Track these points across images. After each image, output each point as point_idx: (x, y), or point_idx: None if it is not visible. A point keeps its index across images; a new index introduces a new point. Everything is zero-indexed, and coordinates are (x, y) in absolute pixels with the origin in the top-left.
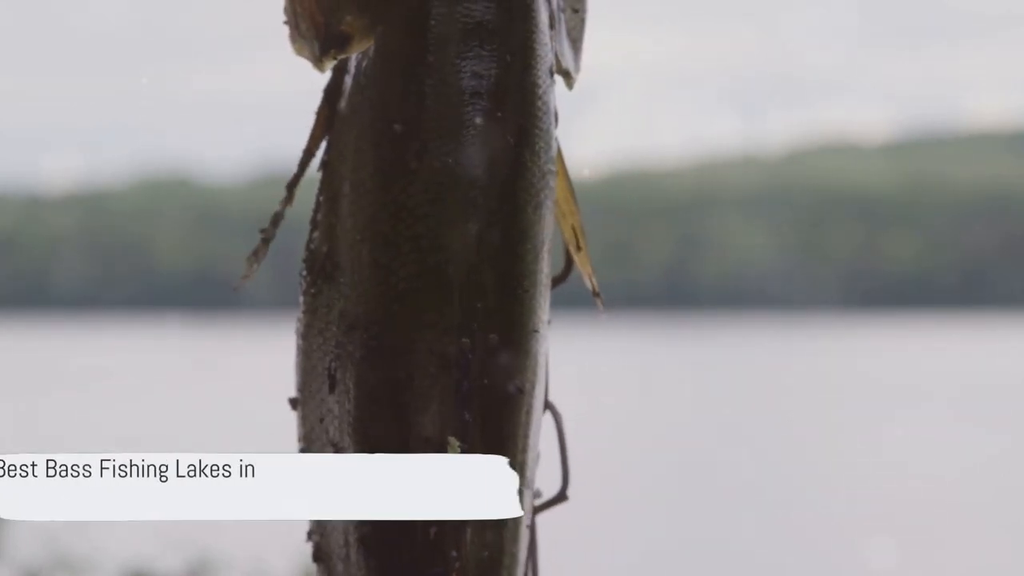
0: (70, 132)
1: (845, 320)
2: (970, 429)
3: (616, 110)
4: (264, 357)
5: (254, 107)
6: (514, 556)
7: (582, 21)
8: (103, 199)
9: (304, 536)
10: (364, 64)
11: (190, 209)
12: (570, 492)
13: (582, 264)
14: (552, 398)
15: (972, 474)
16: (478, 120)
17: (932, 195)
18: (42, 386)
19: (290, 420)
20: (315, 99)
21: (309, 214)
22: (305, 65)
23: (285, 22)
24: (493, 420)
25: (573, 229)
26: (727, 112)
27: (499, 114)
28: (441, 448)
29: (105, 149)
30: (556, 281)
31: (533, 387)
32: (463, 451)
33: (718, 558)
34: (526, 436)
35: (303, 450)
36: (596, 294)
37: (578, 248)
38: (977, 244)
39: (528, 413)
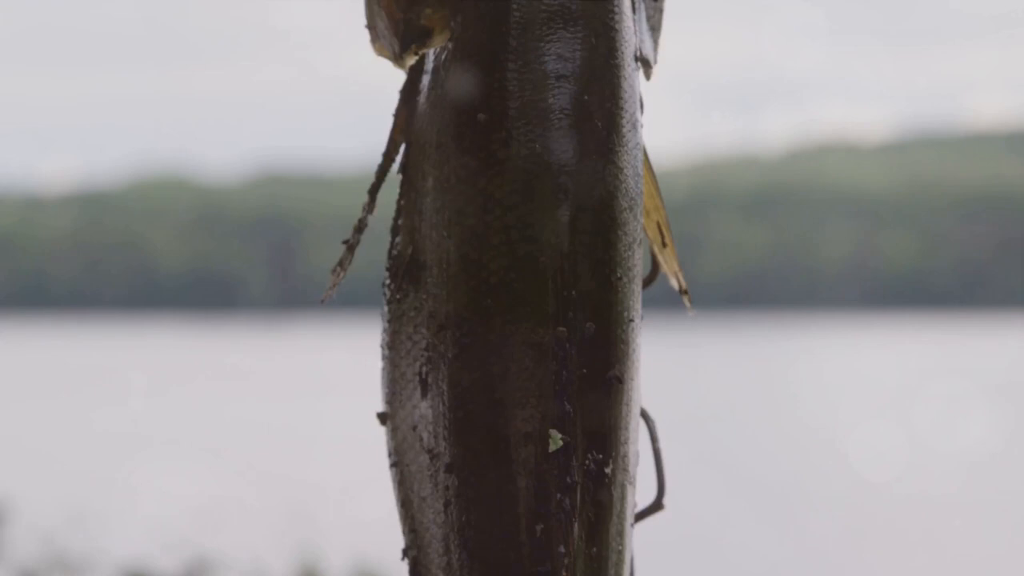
0: (69, 133)
1: (843, 319)
2: (967, 424)
3: None
4: (262, 356)
5: (251, 109)
6: (620, 553)
7: (661, 11)
8: (101, 199)
9: (304, 535)
10: (443, 57)
11: (187, 209)
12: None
13: (668, 261)
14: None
15: (969, 467)
16: (565, 104)
17: (930, 195)
18: (41, 384)
19: (287, 415)
20: (316, 98)
21: (314, 217)
22: (304, 67)
23: (365, 25)
24: (594, 410)
25: (658, 225)
26: (726, 112)
27: (586, 97)
28: (543, 442)
29: (103, 150)
30: (646, 282)
31: (632, 378)
32: (565, 444)
33: (718, 544)
34: (627, 428)
35: (394, 464)
36: (684, 292)
37: (664, 245)
38: (975, 244)
39: (628, 404)
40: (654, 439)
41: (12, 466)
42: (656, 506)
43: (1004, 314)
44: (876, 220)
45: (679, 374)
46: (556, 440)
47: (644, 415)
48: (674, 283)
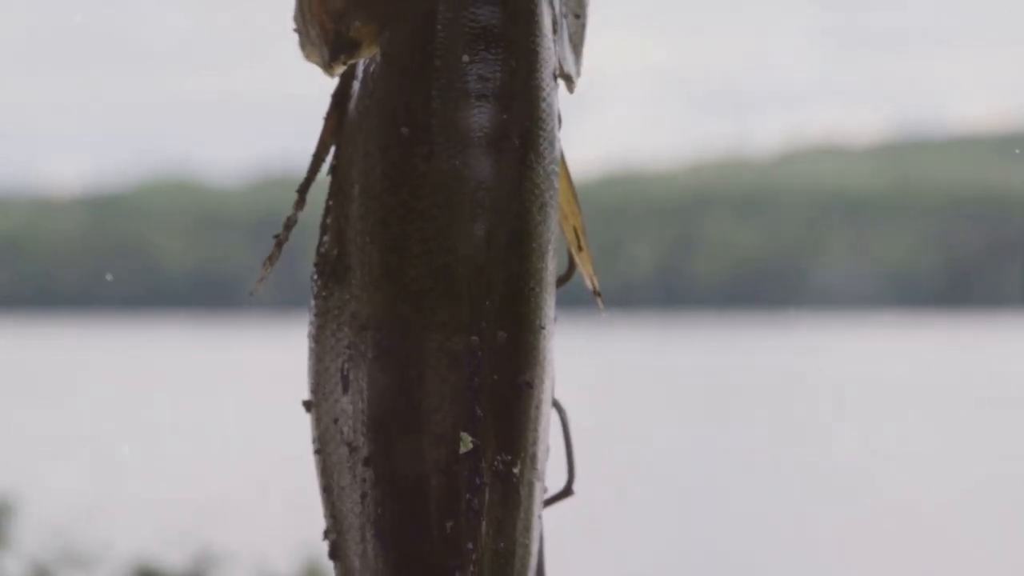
0: (76, 136)
1: (834, 317)
2: (954, 425)
3: (612, 113)
4: (265, 355)
5: (254, 112)
6: (527, 547)
7: (583, 27)
8: (108, 201)
9: (307, 534)
10: (372, 69)
11: (192, 211)
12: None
13: (584, 264)
14: (556, 395)
15: (957, 469)
16: (484, 122)
17: (919, 196)
18: (49, 382)
19: (288, 414)
20: (315, 104)
21: (315, 217)
22: (304, 70)
23: (295, 29)
24: (504, 415)
25: (575, 230)
26: (719, 115)
27: (504, 117)
28: (454, 444)
29: (110, 153)
30: (561, 281)
31: (541, 382)
32: (475, 446)
33: (705, 543)
34: (536, 430)
35: (317, 451)
36: (597, 294)
37: (579, 248)
38: (963, 244)
39: (537, 407)
40: (566, 429)
41: (22, 462)
42: (566, 492)
43: (993, 313)
44: (866, 221)
45: (672, 371)
46: (466, 442)
47: (557, 406)
48: (588, 284)
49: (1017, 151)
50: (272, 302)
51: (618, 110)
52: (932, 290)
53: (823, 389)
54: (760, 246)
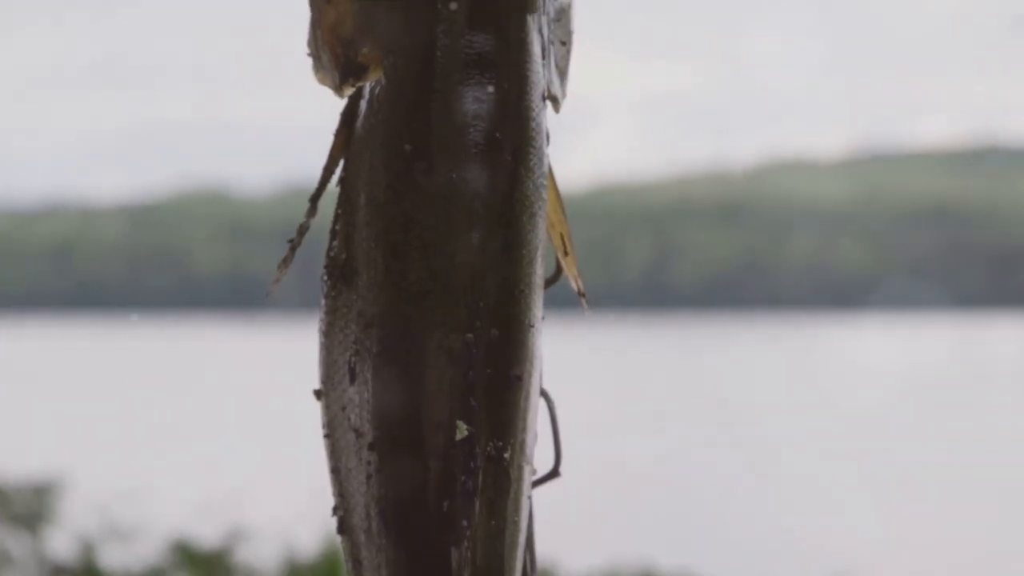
0: (119, 152)
1: (802, 318)
2: (912, 411)
3: (604, 132)
4: (285, 350)
5: (278, 131)
6: (516, 524)
7: (568, 52)
8: (147, 212)
9: (329, 511)
10: (377, 91)
11: (223, 220)
12: (561, 469)
13: (569, 268)
14: (545, 386)
15: (921, 448)
16: (479, 140)
17: (880, 207)
18: (97, 375)
19: (310, 409)
20: (332, 123)
21: (328, 225)
22: (322, 94)
23: (308, 54)
24: (496, 405)
25: (562, 236)
26: (699, 133)
27: (497, 135)
28: (451, 431)
29: (150, 168)
30: (548, 283)
31: (530, 375)
32: (469, 433)
33: (685, 517)
34: (525, 418)
35: (327, 436)
36: (581, 295)
37: (565, 253)
38: (919, 251)
39: (526, 398)
40: (553, 417)
41: (71, 446)
42: (553, 473)
43: (947, 313)
44: (832, 229)
45: (657, 367)
46: (462, 430)
47: (545, 397)
48: (573, 286)
49: (969, 166)
50: (292, 302)
51: (609, 129)
52: (892, 291)
53: (791, 378)
54: (735, 252)
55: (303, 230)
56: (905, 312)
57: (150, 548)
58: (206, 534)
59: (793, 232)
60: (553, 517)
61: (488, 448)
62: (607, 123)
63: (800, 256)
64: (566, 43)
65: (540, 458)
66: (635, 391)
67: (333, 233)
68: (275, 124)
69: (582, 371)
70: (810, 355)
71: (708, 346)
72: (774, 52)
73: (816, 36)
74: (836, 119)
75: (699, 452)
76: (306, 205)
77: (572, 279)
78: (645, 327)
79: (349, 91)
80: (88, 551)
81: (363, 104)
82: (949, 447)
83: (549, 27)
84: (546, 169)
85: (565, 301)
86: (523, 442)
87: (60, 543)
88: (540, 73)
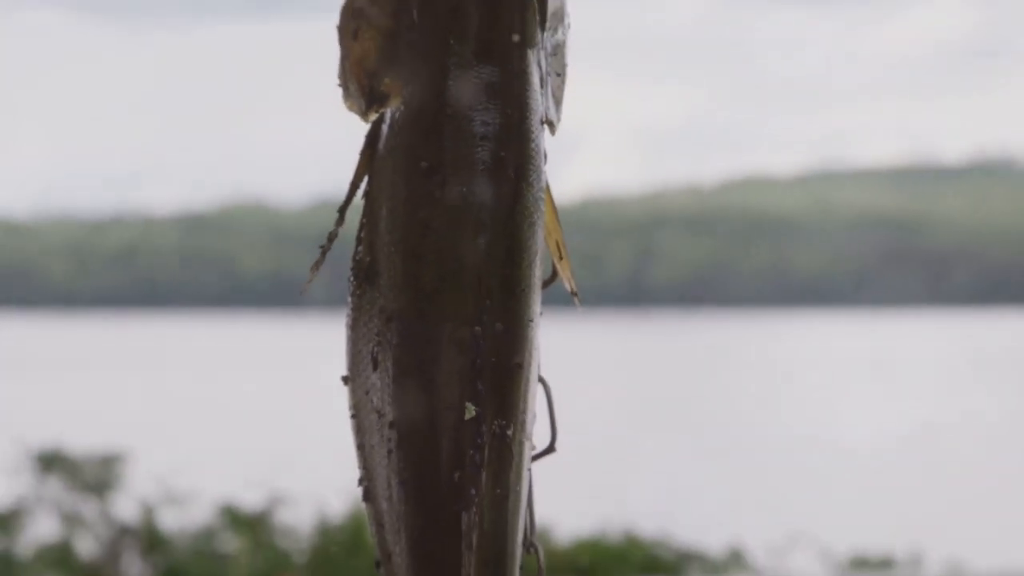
0: (176, 170)
1: (765, 317)
2: (860, 398)
3: (592, 152)
4: (320, 343)
5: (311, 151)
6: (518, 492)
7: (563, 83)
8: (199, 221)
9: (355, 480)
10: (397, 116)
11: (264, 228)
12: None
13: (563, 271)
14: (542, 373)
15: (865, 430)
16: (486, 159)
17: (830, 218)
18: (155, 364)
19: (338, 393)
20: (358, 144)
21: (355, 232)
22: (350, 119)
23: (338, 84)
24: (500, 389)
25: (557, 243)
26: (676, 153)
27: (502, 154)
28: (460, 412)
29: (202, 182)
30: (545, 284)
31: (530, 364)
32: (476, 413)
33: (663, 486)
34: (525, 401)
35: (353, 416)
36: (574, 294)
37: (560, 258)
38: (864, 256)
39: (526, 383)
40: (549, 400)
41: (134, 424)
42: (550, 449)
43: (889, 311)
44: (789, 237)
45: (638, 358)
46: (470, 411)
47: (542, 382)
48: (567, 286)
49: (907, 182)
50: (323, 299)
51: (597, 149)
52: (841, 292)
53: (756, 367)
54: (705, 257)
55: (332, 237)
56: (852, 308)
57: (202, 512)
58: (250, 499)
59: (756, 240)
60: (549, 486)
61: (493, 426)
62: (597, 145)
63: (762, 261)
64: (561, 75)
65: (538, 435)
66: (620, 378)
67: (358, 239)
68: (309, 145)
69: (574, 361)
70: (770, 346)
71: (681, 339)
72: (740, 82)
73: (776, 70)
74: (793, 142)
75: (674, 428)
76: (335, 215)
77: (566, 280)
78: (627, 323)
79: (373, 116)
80: (148, 514)
81: (385, 127)
82: (886, 424)
83: (547, 61)
84: (544, 184)
85: (560, 299)
86: (523, 421)
87: (124, 507)
88: (539, 101)
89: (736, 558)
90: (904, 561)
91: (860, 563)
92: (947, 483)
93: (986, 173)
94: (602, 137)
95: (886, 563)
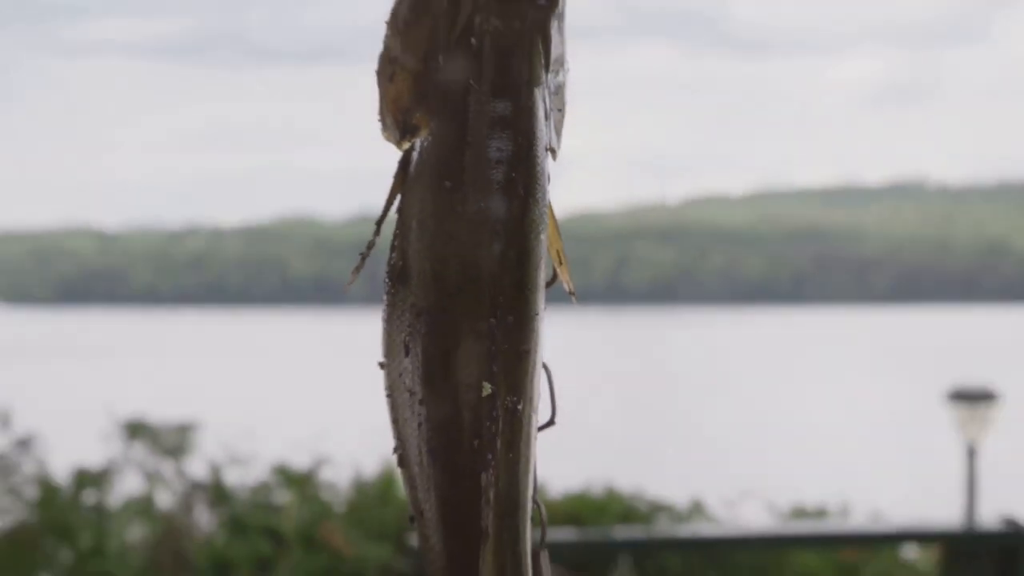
0: (239, 189)
1: (720, 313)
2: (798, 380)
3: (578, 173)
4: (359, 334)
5: (352, 174)
6: (527, 457)
7: (563, 117)
8: (258, 232)
9: (385, 446)
10: (425, 144)
11: (312, 239)
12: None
13: (563, 274)
14: (545, 359)
15: (802, 405)
16: (500, 179)
17: (774, 230)
18: (223, 353)
19: (375, 376)
20: (392, 168)
21: (389, 242)
22: (385, 147)
23: (377, 119)
24: (511, 371)
25: (557, 252)
26: (647, 177)
27: (513, 175)
28: (479, 390)
29: (259, 199)
30: (548, 284)
31: (536, 350)
32: (492, 391)
33: (638, 450)
34: (531, 381)
35: (388, 395)
36: (572, 294)
37: (560, 263)
38: (802, 262)
39: (533, 367)
40: (550, 382)
41: (204, 398)
42: (551, 422)
43: (821, 308)
44: (740, 247)
45: (616, 349)
46: (487, 389)
47: (545, 367)
48: (566, 287)
49: (836, 200)
50: (361, 297)
51: (582, 171)
52: (782, 292)
53: (716, 357)
54: (672, 264)
55: (370, 246)
56: (791, 306)
57: (259, 471)
58: (298, 461)
59: (712, 249)
60: (547, 451)
61: (506, 402)
62: (583, 167)
63: (717, 266)
64: (561, 111)
65: (541, 411)
66: (603, 363)
67: (392, 247)
68: (350, 169)
69: (568, 349)
70: (724, 337)
71: (652, 331)
72: (700, 119)
73: (731, 107)
74: (742, 167)
75: (648, 403)
76: (372, 227)
77: (565, 282)
78: (608, 318)
79: (406, 145)
80: (215, 473)
81: (415, 154)
82: (819, 401)
83: (550, 98)
84: (547, 202)
85: (559, 298)
86: (531, 398)
87: (196, 467)
88: (544, 131)
89: (698, 509)
90: (835, 511)
91: (799, 513)
92: (868, 449)
93: (901, 193)
94: (588, 163)
95: (820, 513)
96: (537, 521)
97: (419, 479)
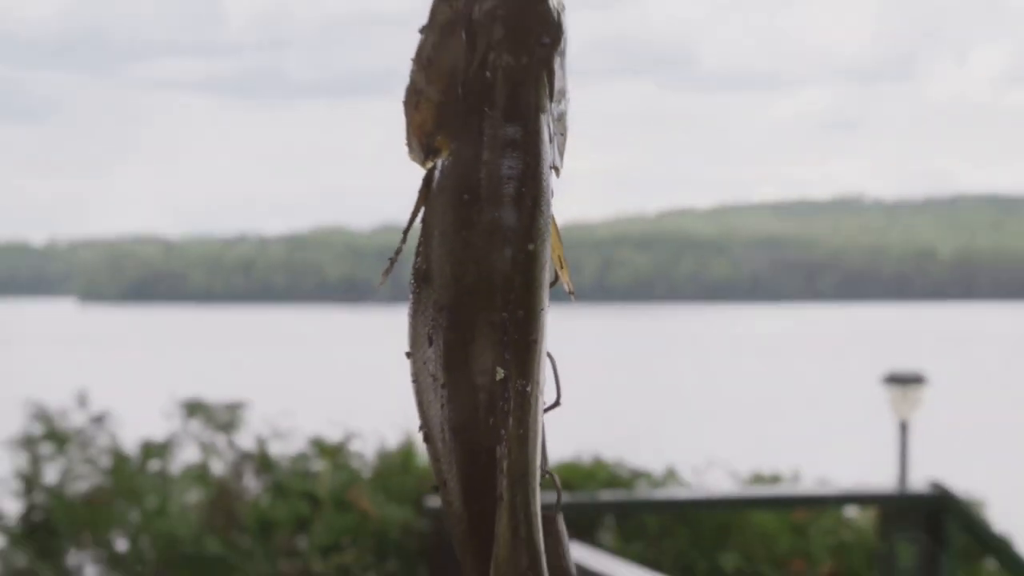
0: (283, 204)
1: (691, 308)
2: (757, 365)
3: (572, 189)
4: (387, 328)
5: (381, 190)
6: (536, 432)
7: (565, 140)
8: (298, 239)
9: (407, 423)
10: (446, 163)
11: (345, 245)
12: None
13: (563, 276)
14: (549, 348)
15: (760, 386)
16: (511, 193)
17: (734, 238)
18: (268, 343)
19: (402, 365)
20: (416, 184)
21: (413, 248)
22: (411, 166)
23: (405, 143)
24: (521, 358)
25: (559, 256)
26: (629, 192)
27: (523, 190)
28: (493, 374)
29: (298, 212)
30: (551, 284)
31: (542, 340)
32: (505, 375)
33: (622, 424)
34: (539, 366)
35: (414, 380)
36: (571, 293)
37: (561, 267)
38: (759, 265)
39: (540, 355)
40: (555, 368)
41: (252, 382)
42: (556, 404)
43: (776, 305)
44: (707, 253)
45: (601, 339)
46: (500, 373)
47: (549, 355)
48: (566, 287)
49: (790, 213)
50: (388, 298)
51: (575, 188)
52: (743, 292)
53: (685, 345)
54: (650, 267)
55: (397, 252)
56: (750, 304)
57: (298, 443)
58: (332, 434)
59: (684, 255)
60: (554, 427)
61: (517, 385)
62: (573, 185)
63: (688, 270)
64: (563, 135)
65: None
66: (592, 352)
67: (417, 253)
68: (379, 185)
69: (565, 339)
70: (694, 330)
71: (633, 324)
72: (674, 145)
73: (699, 136)
74: (710, 185)
75: (630, 385)
76: (395, 236)
77: (565, 283)
78: (596, 313)
79: (429, 164)
80: (261, 445)
81: (437, 172)
82: (774, 382)
83: (554, 124)
84: (551, 213)
85: (558, 297)
86: (538, 381)
87: (244, 440)
88: (549, 152)
89: (672, 475)
90: (787, 477)
91: (757, 479)
92: (815, 425)
93: (843, 206)
94: (579, 180)
95: (775, 479)
96: (553, 488)
97: (442, 453)
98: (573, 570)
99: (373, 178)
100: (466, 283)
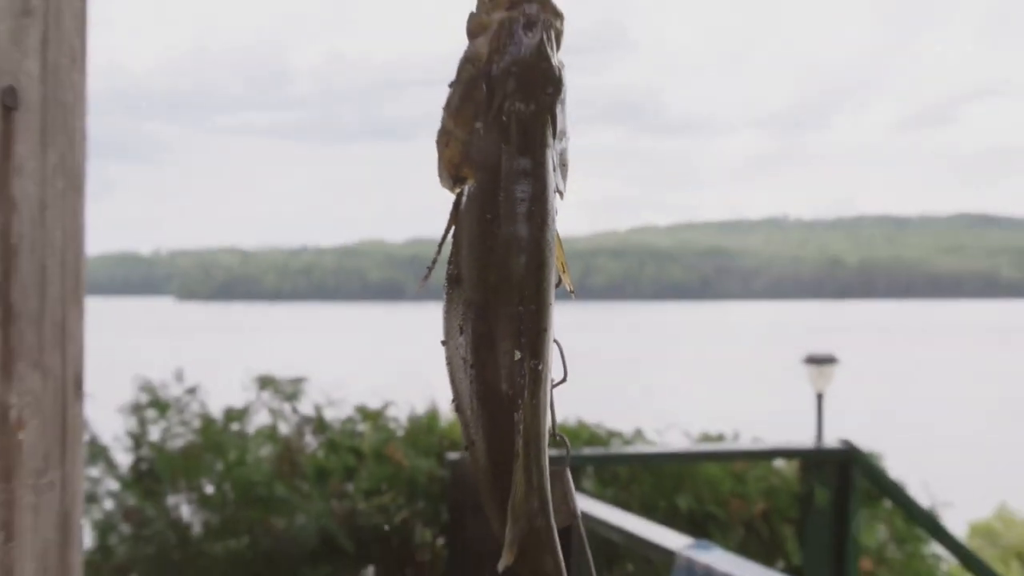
0: (334, 221)
1: (653, 306)
2: (704, 352)
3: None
4: (425, 322)
5: (416, 209)
6: (546, 403)
7: (567, 169)
8: (346, 250)
9: (431, 393)
10: (472, 189)
11: (384, 255)
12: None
13: (565, 279)
14: (556, 336)
15: (705, 368)
16: (524, 212)
17: (688, 249)
18: (321, 337)
19: (437, 351)
20: (447, 206)
21: (446, 258)
22: (442, 191)
23: (437, 173)
24: (534, 343)
25: (561, 263)
26: (604, 213)
27: (533, 209)
28: (511, 356)
29: (347, 228)
30: (556, 285)
31: (550, 328)
32: (520, 356)
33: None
34: (548, 350)
35: (448, 363)
36: (571, 292)
37: (564, 271)
38: (711, 272)
39: (549, 341)
40: (561, 352)
41: (313, 360)
42: (563, 380)
43: (720, 304)
44: (666, 261)
45: (583, 335)
46: (516, 355)
47: (556, 341)
48: (567, 288)
49: (732, 229)
50: (417, 298)
51: (561, 210)
52: (693, 291)
53: (650, 336)
54: (621, 272)
55: (434, 262)
56: (699, 302)
57: (347, 409)
58: (373, 402)
59: (647, 262)
60: (561, 399)
61: (530, 364)
62: (560, 207)
63: (651, 274)
64: (565, 166)
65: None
66: (576, 340)
67: (449, 260)
68: (415, 206)
69: (562, 332)
70: (655, 323)
71: (608, 320)
72: (637, 175)
73: (659, 167)
74: (666, 208)
75: (607, 367)
76: (425, 248)
77: (566, 284)
78: (577, 310)
79: (457, 191)
80: (319, 410)
81: (463, 197)
82: (717, 365)
83: (557, 157)
84: (555, 227)
85: (558, 296)
86: (548, 361)
87: (305, 407)
88: (554, 179)
89: (639, 435)
90: (729, 436)
91: (705, 437)
92: (750, 396)
93: (772, 224)
94: (564, 203)
95: (719, 437)
96: (562, 446)
97: (471, 420)
98: (578, 512)
99: (406, 202)
100: (490, 284)
